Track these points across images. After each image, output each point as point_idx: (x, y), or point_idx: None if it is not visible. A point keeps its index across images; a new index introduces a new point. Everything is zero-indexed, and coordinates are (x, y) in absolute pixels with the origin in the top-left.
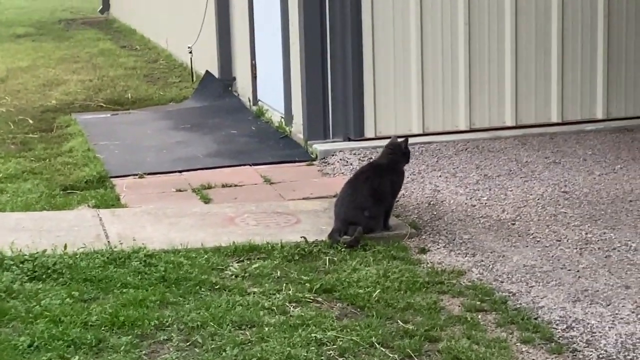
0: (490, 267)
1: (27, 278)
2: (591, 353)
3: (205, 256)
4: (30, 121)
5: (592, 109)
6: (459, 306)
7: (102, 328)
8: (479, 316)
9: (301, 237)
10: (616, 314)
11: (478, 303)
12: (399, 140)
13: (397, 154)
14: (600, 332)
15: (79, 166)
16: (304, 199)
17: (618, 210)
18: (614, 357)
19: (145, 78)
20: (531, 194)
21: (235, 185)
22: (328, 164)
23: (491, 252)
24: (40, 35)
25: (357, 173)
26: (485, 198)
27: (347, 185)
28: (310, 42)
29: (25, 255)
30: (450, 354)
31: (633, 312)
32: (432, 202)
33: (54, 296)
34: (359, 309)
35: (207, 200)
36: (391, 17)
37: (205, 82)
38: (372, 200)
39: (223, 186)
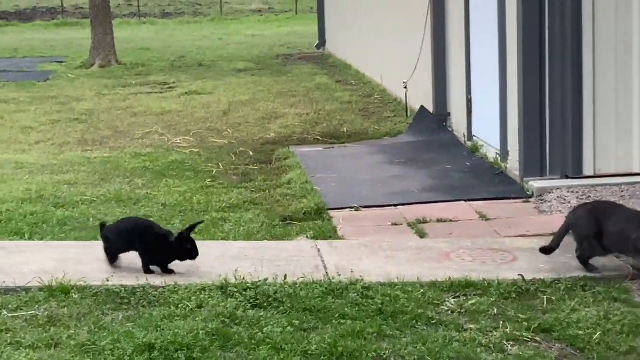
0: None
1: (249, 305)
2: None
3: (422, 290)
4: (251, 153)
5: None
6: None
7: (322, 358)
8: None
9: (519, 275)
10: None
11: None
12: None
13: None
14: None
15: (297, 198)
16: (520, 236)
17: None
18: None
19: (360, 112)
20: None
21: (450, 221)
22: (545, 201)
23: None
24: (260, 70)
25: None
26: None
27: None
28: (528, 79)
29: (248, 283)
30: None
31: None
32: None
33: (275, 324)
34: (578, 351)
35: (422, 235)
36: (614, 54)
37: (419, 117)
38: None
39: (438, 221)
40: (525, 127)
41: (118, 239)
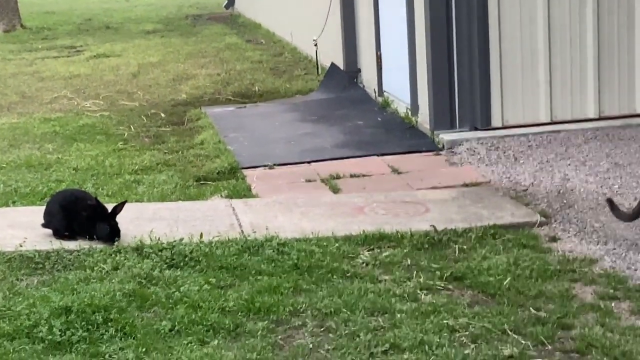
0: (623, 255)
1: (165, 265)
2: None
3: (336, 244)
4: (162, 115)
5: None
6: (592, 294)
7: (239, 314)
8: (613, 304)
9: (431, 226)
10: None
11: (611, 291)
12: None
13: None
14: None
15: (210, 158)
16: (432, 188)
17: None
18: None
19: (271, 71)
20: None
21: (363, 175)
22: (455, 153)
23: (624, 240)
24: (169, 31)
25: None
26: (617, 186)
27: None
28: (436, 32)
29: (164, 243)
30: (583, 341)
31: None
32: (561, 191)
33: (192, 283)
34: (490, 297)
35: (336, 190)
36: (518, 4)
37: (330, 74)
38: None
39: (351, 176)
40: (434, 82)
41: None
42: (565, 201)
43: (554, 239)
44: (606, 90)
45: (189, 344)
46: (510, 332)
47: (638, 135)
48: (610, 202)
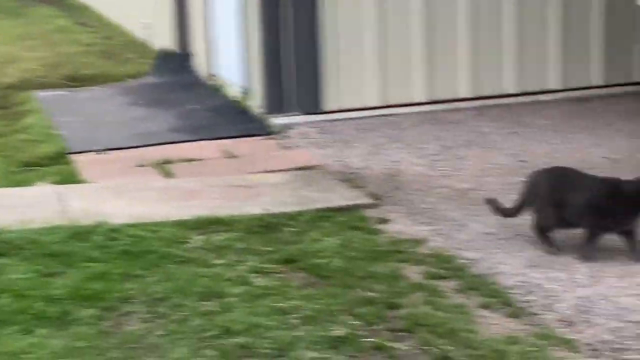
0: (450, 235)
1: None
2: (549, 316)
3: (168, 229)
4: None
5: (548, 80)
6: (419, 274)
7: (67, 302)
8: (439, 283)
9: (263, 209)
10: (573, 278)
11: (438, 270)
12: None
13: None
14: (557, 296)
15: (38, 143)
16: (265, 172)
17: None
18: (571, 319)
19: (103, 54)
20: (490, 164)
21: (197, 160)
22: (288, 137)
23: (450, 221)
24: None
25: None
26: (445, 168)
27: None
28: (267, 16)
29: None
30: (411, 320)
31: (588, 276)
32: (391, 173)
33: (17, 271)
34: (321, 279)
35: (168, 175)
36: None
37: (163, 58)
38: None
39: (184, 161)
40: (266, 66)
41: None
42: (394, 183)
43: (383, 221)
44: (435, 75)
45: (14, 334)
46: (340, 313)
47: (464, 119)
48: (490, 201)
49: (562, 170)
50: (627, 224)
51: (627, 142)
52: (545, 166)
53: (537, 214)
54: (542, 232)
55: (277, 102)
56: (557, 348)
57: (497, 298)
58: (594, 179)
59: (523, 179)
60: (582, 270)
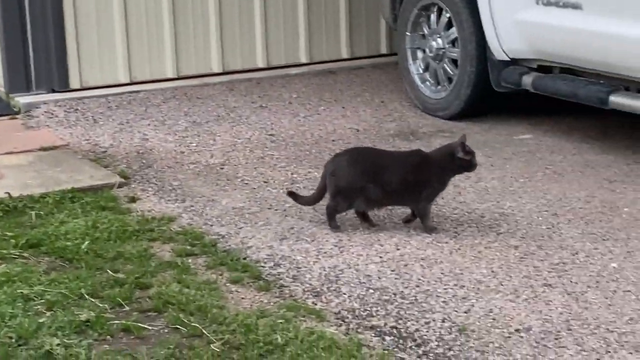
0: (200, 211)
1: None
2: (297, 287)
3: None
4: None
5: (296, 54)
6: (170, 252)
7: None
8: (190, 260)
9: (5, 193)
10: (320, 249)
11: (188, 247)
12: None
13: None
14: (305, 267)
15: None
16: (7, 153)
17: (322, 150)
18: (318, 289)
19: None
20: (239, 138)
21: None
22: (32, 117)
23: (201, 197)
24: None
25: None
26: (194, 144)
27: None
28: None
29: None
30: (161, 299)
31: (335, 246)
32: (141, 151)
33: None
34: (67, 262)
35: None
36: None
37: None
38: None
39: None
40: (7, 43)
41: None
42: (144, 161)
43: (133, 200)
44: (184, 51)
45: None
46: (87, 297)
47: (214, 94)
48: (291, 194)
49: (361, 151)
50: (442, 189)
51: (372, 113)
52: (340, 150)
53: (332, 198)
54: (333, 216)
55: (20, 80)
56: (305, 318)
57: (247, 272)
58: (397, 155)
59: (323, 165)
60: (330, 241)
